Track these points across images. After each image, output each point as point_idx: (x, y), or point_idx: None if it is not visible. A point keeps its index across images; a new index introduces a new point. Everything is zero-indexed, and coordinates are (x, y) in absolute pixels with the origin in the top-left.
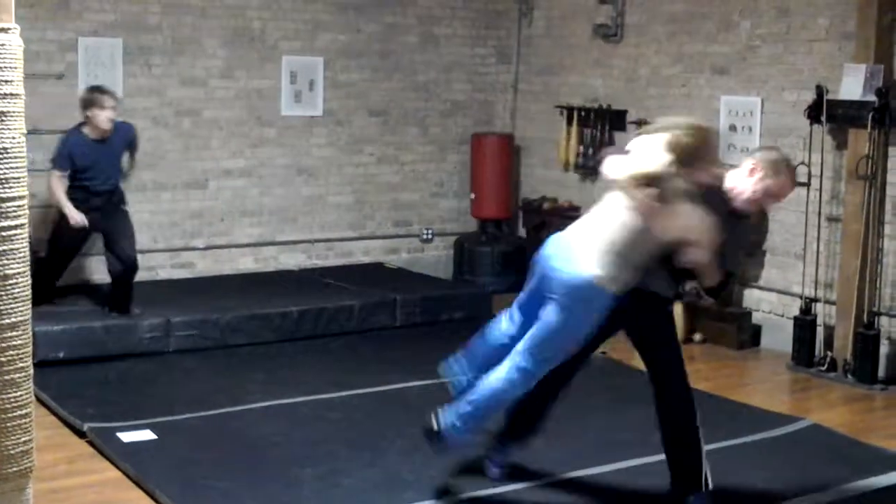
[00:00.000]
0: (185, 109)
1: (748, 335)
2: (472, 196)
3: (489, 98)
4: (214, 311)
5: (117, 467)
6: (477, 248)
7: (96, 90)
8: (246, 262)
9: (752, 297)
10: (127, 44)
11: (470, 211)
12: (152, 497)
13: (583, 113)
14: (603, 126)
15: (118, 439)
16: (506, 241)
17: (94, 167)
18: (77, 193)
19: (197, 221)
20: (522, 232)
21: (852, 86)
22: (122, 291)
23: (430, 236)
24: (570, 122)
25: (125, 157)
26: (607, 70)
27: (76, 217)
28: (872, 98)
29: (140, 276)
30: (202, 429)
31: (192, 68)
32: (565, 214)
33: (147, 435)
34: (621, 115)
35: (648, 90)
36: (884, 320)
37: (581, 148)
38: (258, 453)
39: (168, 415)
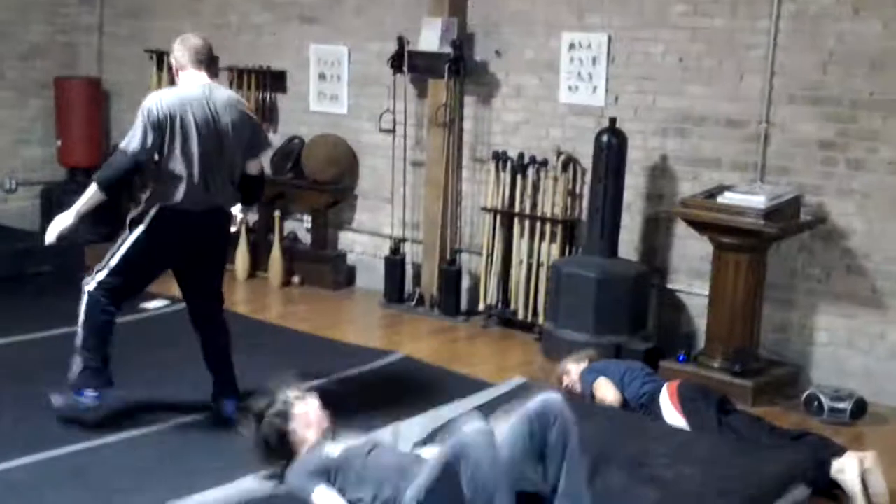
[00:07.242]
0: None
1: (343, 276)
2: (59, 143)
3: (72, 41)
4: None
5: None
6: (66, 198)
7: None
8: None
9: (346, 240)
10: None
11: (57, 159)
12: None
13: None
14: None
15: None
16: None
17: None
18: None
19: None
20: None
21: (430, 38)
22: None
23: (13, 186)
24: (160, 68)
25: None
26: (197, 16)
27: None
28: (449, 50)
29: None
30: None
31: None
32: None
33: None
34: (213, 61)
35: (239, 37)
36: (464, 257)
37: None
38: None
39: None
